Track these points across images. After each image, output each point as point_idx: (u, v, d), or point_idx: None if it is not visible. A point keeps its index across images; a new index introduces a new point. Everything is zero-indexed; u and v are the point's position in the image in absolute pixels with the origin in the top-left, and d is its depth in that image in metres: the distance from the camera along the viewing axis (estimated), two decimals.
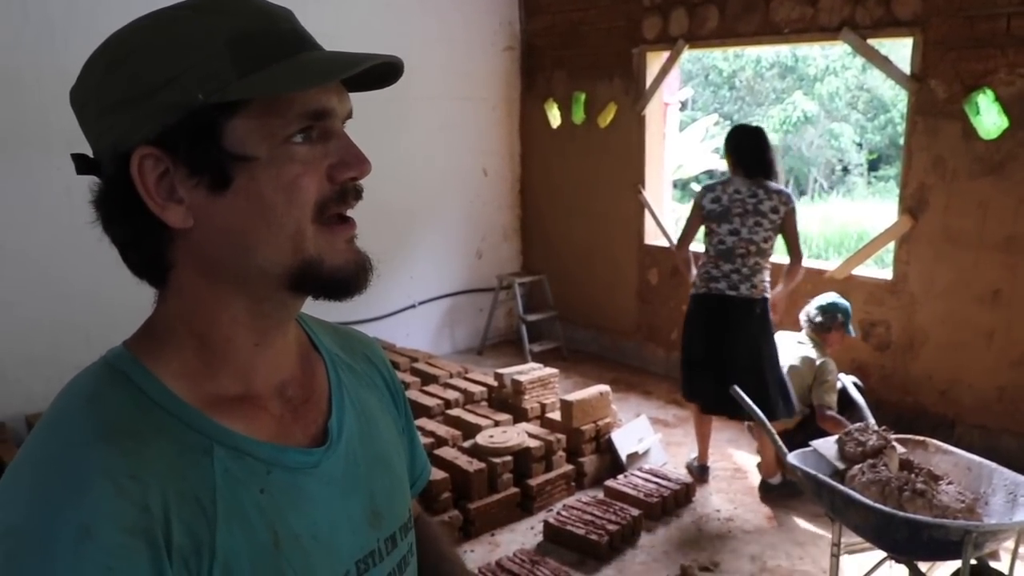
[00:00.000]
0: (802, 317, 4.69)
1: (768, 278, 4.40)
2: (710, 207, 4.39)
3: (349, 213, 0.87)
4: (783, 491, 4.43)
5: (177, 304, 0.86)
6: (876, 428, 3.40)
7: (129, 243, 0.84)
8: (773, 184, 4.33)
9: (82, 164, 0.84)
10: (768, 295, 4.39)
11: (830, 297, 4.68)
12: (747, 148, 4.38)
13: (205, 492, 0.78)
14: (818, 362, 4.48)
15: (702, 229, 4.53)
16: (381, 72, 0.85)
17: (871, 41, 4.95)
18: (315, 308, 1.01)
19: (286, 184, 0.80)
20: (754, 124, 4.60)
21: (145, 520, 0.72)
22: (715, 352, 4.41)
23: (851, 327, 4.64)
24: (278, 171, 0.80)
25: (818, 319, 4.59)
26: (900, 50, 4.81)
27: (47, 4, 4.77)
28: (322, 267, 0.83)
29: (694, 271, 4.62)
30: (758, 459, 4.84)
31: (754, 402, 3.73)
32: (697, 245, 4.68)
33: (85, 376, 0.84)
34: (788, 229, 4.33)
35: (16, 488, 0.74)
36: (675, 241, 4.37)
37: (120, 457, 0.74)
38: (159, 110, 0.77)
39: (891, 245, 5.13)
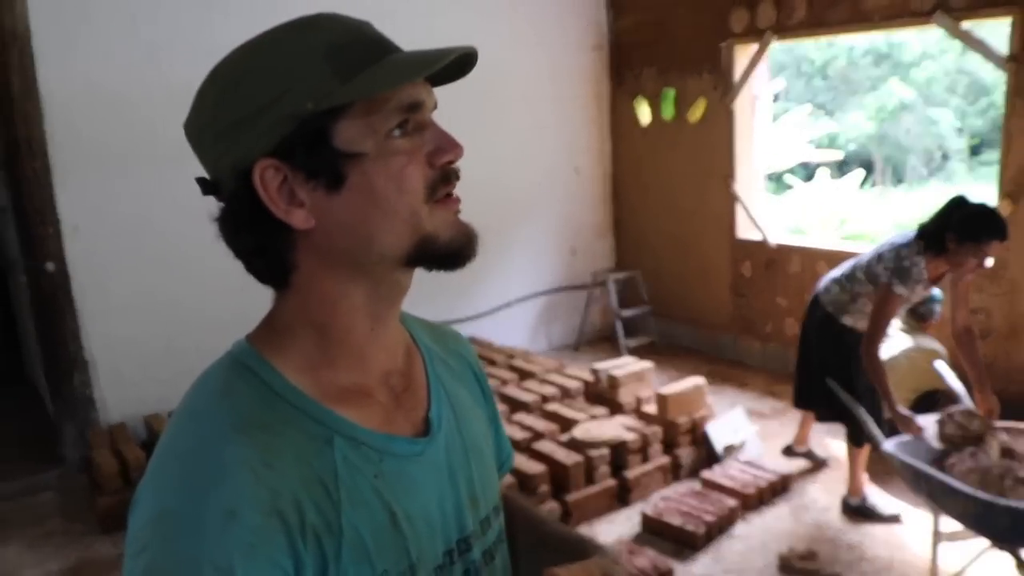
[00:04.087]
0: None
1: None
2: None
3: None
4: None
5: (298, 300, 0.93)
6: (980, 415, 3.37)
7: (255, 251, 0.92)
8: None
9: (205, 186, 0.93)
10: None
11: None
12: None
13: (329, 478, 0.87)
14: (942, 350, 4.54)
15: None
16: (459, 64, 0.94)
17: (966, 23, 4.86)
18: (422, 303, 1.12)
19: (395, 174, 0.88)
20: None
21: (280, 504, 0.81)
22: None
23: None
24: (386, 163, 0.88)
25: (921, 309, 4.64)
26: (1000, 30, 4.72)
27: (154, 28, 5.06)
28: (438, 240, 0.91)
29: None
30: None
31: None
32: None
33: (215, 371, 0.93)
34: None
35: (166, 476, 0.84)
36: (771, 234, 4.19)
37: (254, 448, 0.83)
38: (274, 124, 0.85)
39: None
